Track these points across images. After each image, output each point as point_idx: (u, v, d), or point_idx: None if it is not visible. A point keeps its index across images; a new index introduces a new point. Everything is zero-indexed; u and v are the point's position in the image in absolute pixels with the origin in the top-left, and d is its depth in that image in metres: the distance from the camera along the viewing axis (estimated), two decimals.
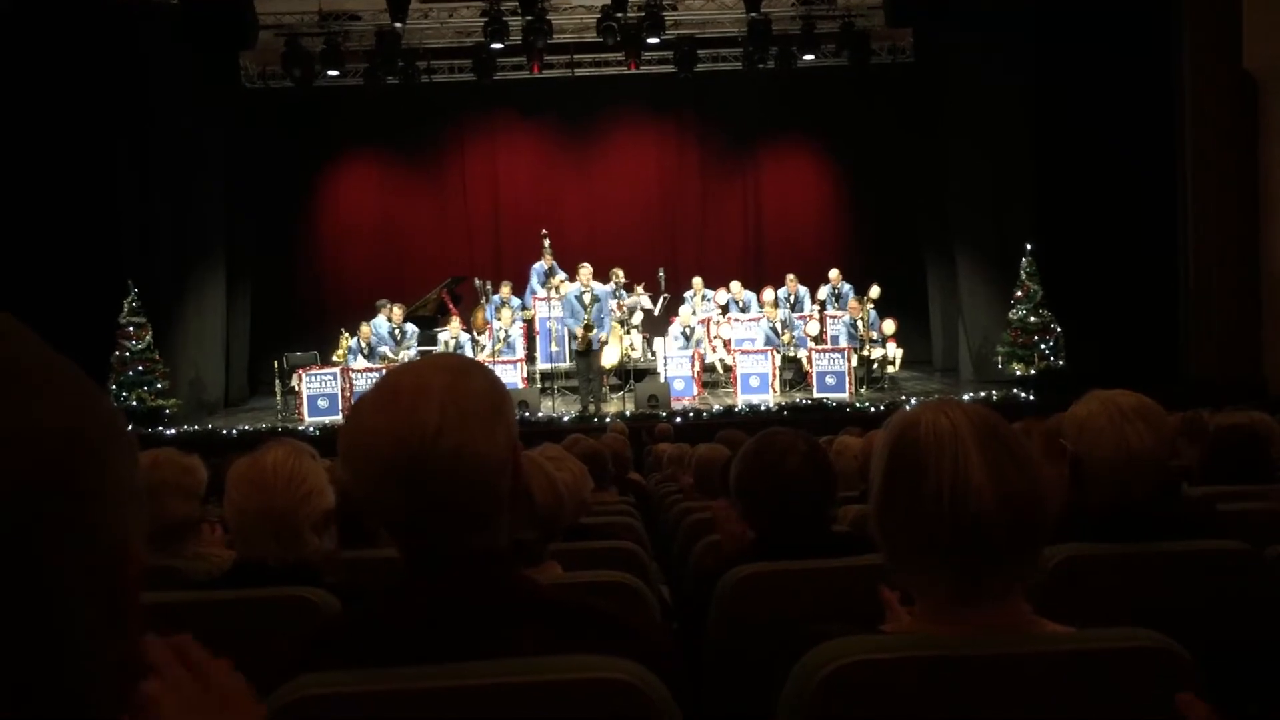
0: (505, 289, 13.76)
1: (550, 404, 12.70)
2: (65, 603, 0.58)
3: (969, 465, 1.32)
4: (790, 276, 14.20)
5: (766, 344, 13.02)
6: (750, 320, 13.70)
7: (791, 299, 13.98)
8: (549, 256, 13.90)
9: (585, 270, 12.30)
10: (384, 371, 12.09)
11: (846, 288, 13.94)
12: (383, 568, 2.63)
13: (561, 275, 13.62)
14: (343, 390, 12.40)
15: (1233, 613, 2.17)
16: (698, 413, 12.04)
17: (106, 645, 0.61)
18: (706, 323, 13.75)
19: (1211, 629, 1.92)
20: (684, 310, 13.54)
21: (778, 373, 12.82)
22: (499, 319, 13.19)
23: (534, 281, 14.08)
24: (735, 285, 14.23)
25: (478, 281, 14.39)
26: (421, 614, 1.31)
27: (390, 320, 13.09)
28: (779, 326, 13.14)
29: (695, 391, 12.89)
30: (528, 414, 11.54)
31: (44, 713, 0.57)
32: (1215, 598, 2.16)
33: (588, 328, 11.92)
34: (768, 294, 13.85)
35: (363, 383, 12.27)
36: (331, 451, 2.79)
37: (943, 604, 1.38)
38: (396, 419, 1.28)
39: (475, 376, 1.34)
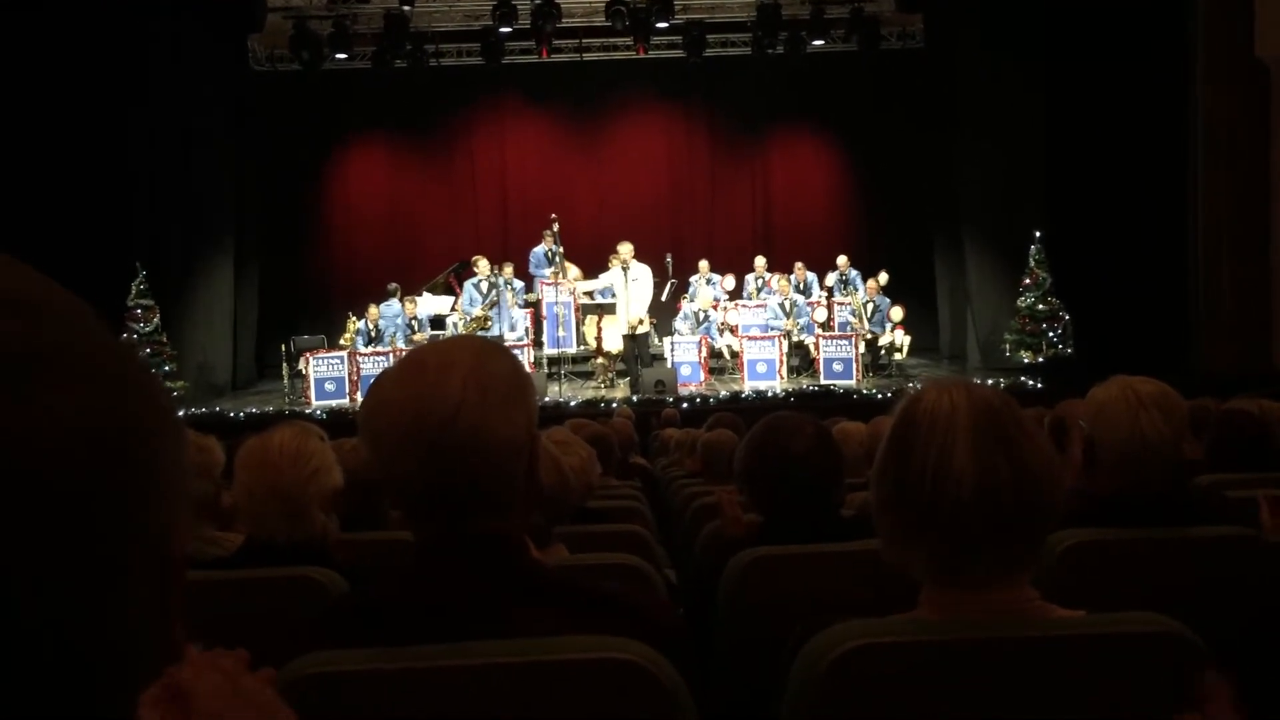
0: (508, 270, 13.65)
1: (557, 389, 12.71)
2: (110, 597, 0.56)
3: (954, 450, 1.33)
4: (798, 264, 14.16)
5: (773, 318, 12.97)
6: (757, 306, 13.66)
7: (801, 285, 13.95)
8: (549, 240, 13.74)
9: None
10: (391, 356, 12.08)
11: (854, 274, 13.92)
12: (391, 549, 2.64)
13: (560, 257, 13.43)
14: (350, 374, 12.41)
15: (1241, 599, 2.17)
16: (704, 398, 12.02)
17: (149, 637, 0.59)
18: (715, 307, 13.71)
19: (1220, 615, 1.91)
20: (693, 291, 13.46)
21: (785, 359, 12.80)
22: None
23: (532, 266, 14.02)
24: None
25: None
26: (430, 594, 1.31)
27: (404, 309, 13.10)
28: (787, 304, 13.11)
29: (702, 377, 12.87)
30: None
31: (81, 696, 0.56)
32: (1224, 584, 2.16)
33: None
34: (776, 280, 13.82)
35: (370, 366, 12.27)
36: (339, 434, 2.81)
37: (939, 586, 1.39)
38: (419, 392, 1.29)
39: (499, 358, 1.35)
